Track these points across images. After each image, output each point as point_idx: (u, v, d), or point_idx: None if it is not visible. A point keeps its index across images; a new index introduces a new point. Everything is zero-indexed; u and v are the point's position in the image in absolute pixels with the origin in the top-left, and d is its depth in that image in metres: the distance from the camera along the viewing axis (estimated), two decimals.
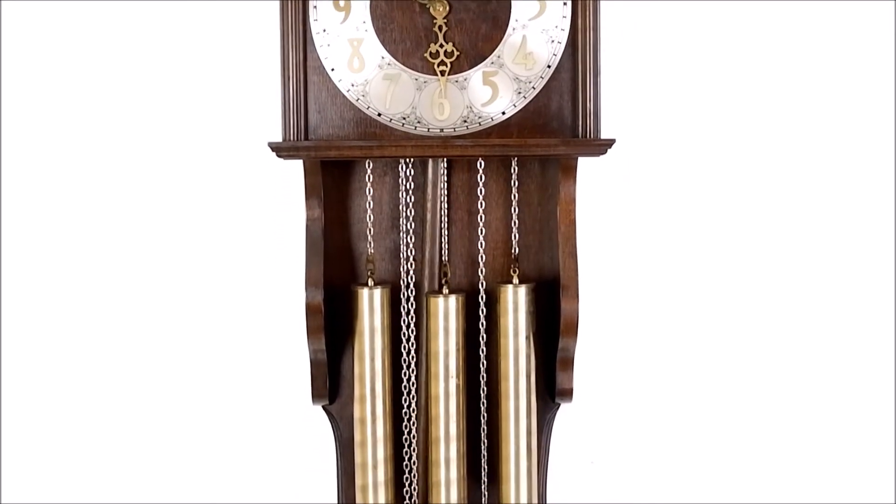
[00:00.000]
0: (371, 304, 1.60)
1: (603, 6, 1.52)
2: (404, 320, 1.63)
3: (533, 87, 1.56)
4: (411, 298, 1.64)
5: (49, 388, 1.73)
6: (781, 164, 1.70)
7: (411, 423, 1.64)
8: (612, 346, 1.73)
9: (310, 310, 1.57)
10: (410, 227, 1.64)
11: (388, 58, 1.55)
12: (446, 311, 1.60)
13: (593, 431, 1.72)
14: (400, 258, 1.64)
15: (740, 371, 1.72)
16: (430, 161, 1.61)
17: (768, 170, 1.70)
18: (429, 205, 1.61)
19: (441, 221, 1.63)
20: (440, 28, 1.54)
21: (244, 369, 1.71)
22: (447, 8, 1.54)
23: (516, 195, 1.63)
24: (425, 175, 1.62)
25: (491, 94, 1.56)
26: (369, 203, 1.62)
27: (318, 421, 1.69)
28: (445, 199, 1.63)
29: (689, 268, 1.71)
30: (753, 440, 1.73)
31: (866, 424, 1.74)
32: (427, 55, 1.55)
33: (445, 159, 1.62)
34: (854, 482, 1.74)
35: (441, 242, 1.64)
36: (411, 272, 1.64)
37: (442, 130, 1.56)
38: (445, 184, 1.63)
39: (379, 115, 1.56)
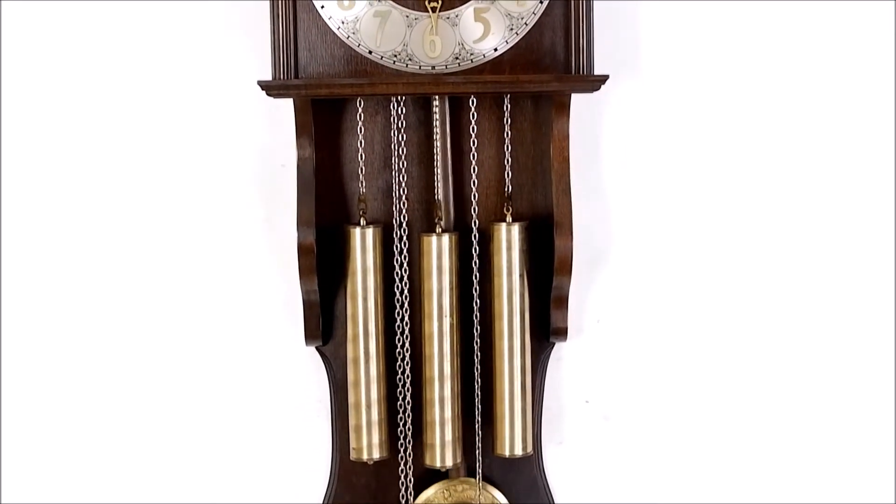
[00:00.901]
0: (363, 243, 1.60)
1: None
2: (397, 260, 1.62)
3: (525, 24, 1.54)
4: (404, 238, 1.63)
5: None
6: (777, 106, 1.68)
7: (405, 362, 1.63)
8: (607, 285, 1.71)
9: (302, 250, 1.56)
10: (403, 166, 1.62)
11: None
12: (439, 250, 1.59)
13: (588, 371, 1.71)
14: (392, 198, 1.63)
15: (738, 307, 1.71)
16: (436, 99, 1.59)
17: (766, 108, 1.68)
18: (437, 144, 1.61)
19: (437, 160, 1.62)
20: None
21: (237, 312, 1.70)
22: None
23: (509, 133, 1.61)
24: (428, 114, 1.61)
25: (483, 30, 1.54)
26: (361, 142, 1.60)
27: (312, 363, 1.69)
28: (438, 137, 1.61)
29: (684, 206, 1.69)
30: (748, 381, 1.73)
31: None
32: None
33: (447, 98, 1.60)
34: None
35: (436, 181, 1.62)
36: (404, 211, 1.62)
37: (433, 68, 1.54)
38: (438, 122, 1.61)
39: (370, 52, 1.54)
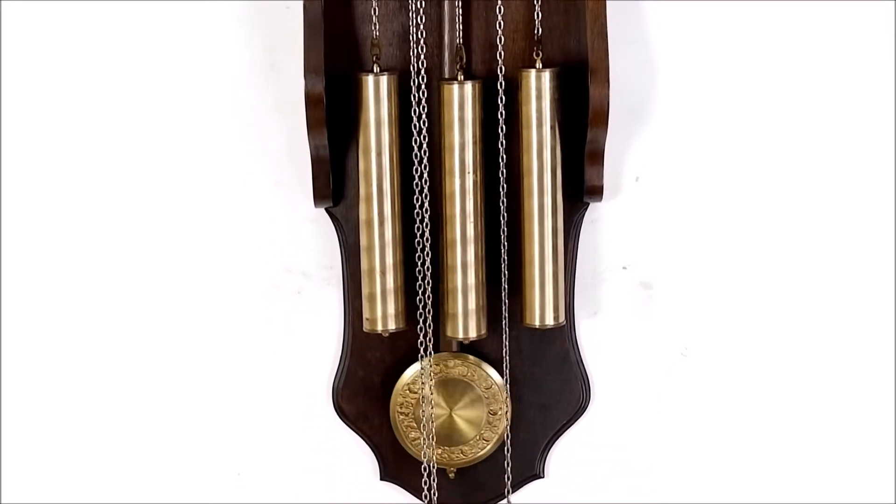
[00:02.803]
0: (377, 92, 1.45)
1: None
2: (415, 110, 1.47)
3: None
4: (422, 86, 1.48)
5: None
6: None
7: (423, 224, 1.49)
8: (648, 139, 1.56)
9: (310, 100, 1.42)
10: (420, 6, 1.47)
11: None
12: (462, 100, 1.45)
13: (626, 234, 1.57)
14: (409, 42, 1.48)
15: (795, 165, 1.56)
16: None
17: None
18: None
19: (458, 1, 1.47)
20: None
21: (238, 169, 1.56)
22: None
23: None
24: None
25: None
26: None
27: (321, 226, 1.57)
28: None
29: (737, 49, 1.54)
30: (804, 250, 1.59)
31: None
32: None
33: None
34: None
35: (457, 24, 1.47)
36: (422, 57, 1.47)
37: None
38: None
39: None
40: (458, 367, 1.55)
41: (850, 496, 1.62)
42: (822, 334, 1.61)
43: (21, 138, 1.57)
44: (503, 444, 1.56)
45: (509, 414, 1.55)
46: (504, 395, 1.55)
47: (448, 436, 1.56)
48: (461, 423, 1.56)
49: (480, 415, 1.56)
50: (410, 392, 1.55)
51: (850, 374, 1.61)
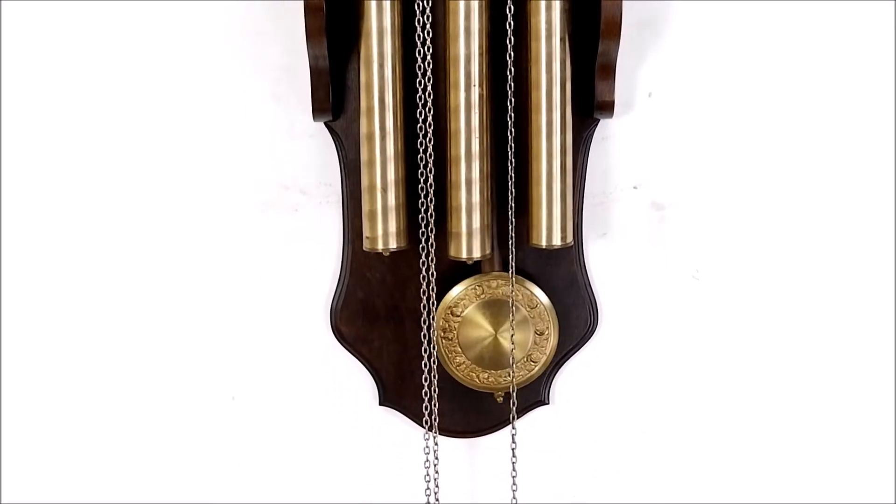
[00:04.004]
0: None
1: None
2: (418, 20, 1.40)
3: None
4: None
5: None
6: None
7: (427, 139, 1.42)
8: (662, 53, 1.50)
9: (309, 6, 1.35)
10: None
11: None
12: (468, 9, 1.38)
13: (637, 152, 1.51)
14: None
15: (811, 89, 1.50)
16: None
17: None
18: None
19: None
20: None
21: (232, 81, 1.50)
22: None
23: None
24: None
25: None
26: None
27: (320, 140, 1.50)
28: None
29: None
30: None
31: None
32: None
33: None
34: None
35: None
36: None
37: None
38: None
39: None
40: (502, 287, 1.49)
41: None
42: (836, 259, 1.55)
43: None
44: (550, 365, 1.52)
45: (553, 335, 1.51)
46: (551, 315, 1.50)
47: (494, 359, 1.51)
48: (508, 346, 1.50)
49: (527, 336, 1.51)
50: (453, 315, 1.50)
51: (858, 300, 1.56)
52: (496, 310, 1.50)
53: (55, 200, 1.53)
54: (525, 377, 1.52)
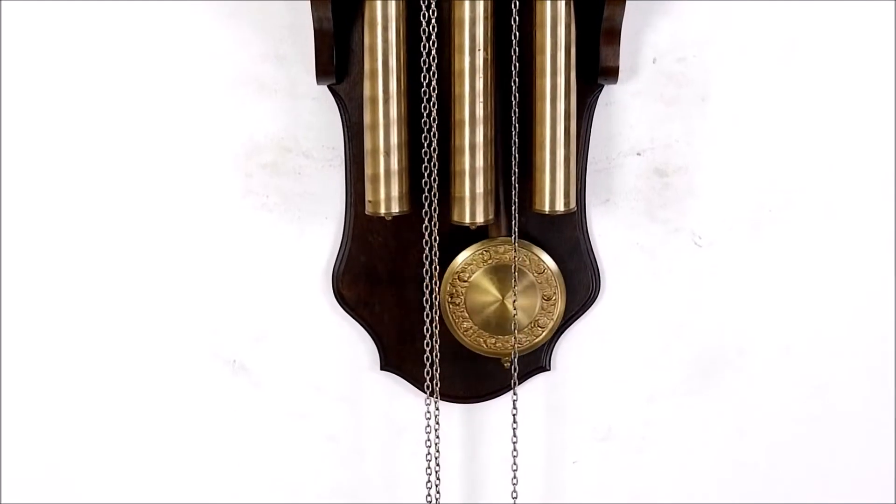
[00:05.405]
0: None
1: None
2: None
3: None
4: None
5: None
6: None
7: (431, 103, 1.41)
8: (669, 17, 1.49)
9: None
10: None
11: None
12: None
13: (641, 119, 1.51)
14: None
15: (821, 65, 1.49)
16: None
17: None
18: None
19: None
20: None
21: (234, 40, 1.48)
22: None
23: None
24: None
25: None
26: None
27: (323, 104, 1.49)
28: None
29: None
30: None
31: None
32: None
33: None
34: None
35: None
36: None
37: None
38: None
39: None
40: (509, 253, 1.48)
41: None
42: (838, 228, 1.55)
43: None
44: (557, 331, 1.52)
45: (561, 300, 1.50)
46: (559, 280, 1.49)
47: (501, 324, 1.50)
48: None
49: (534, 301, 1.50)
50: (460, 281, 1.49)
51: (862, 268, 1.56)
52: (503, 275, 1.49)
53: (53, 173, 1.52)
54: (532, 343, 1.51)
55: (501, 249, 1.48)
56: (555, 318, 1.50)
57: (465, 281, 1.49)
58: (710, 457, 1.60)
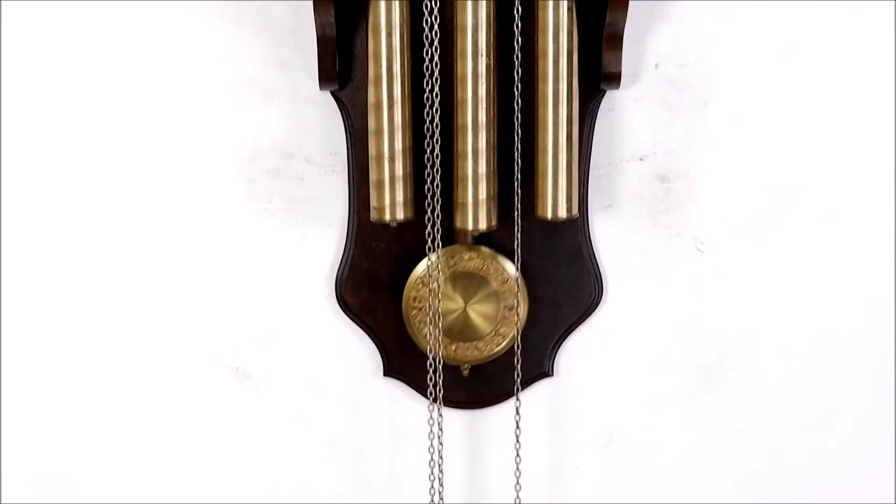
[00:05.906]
0: None
1: None
2: None
3: None
4: None
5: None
6: None
7: (433, 109, 1.42)
8: (671, 23, 1.49)
9: None
10: None
11: None
12: None
13: (644, 124, 1.51)
14: None
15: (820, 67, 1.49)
16: None
17: None
18: None
19: None
20: None
21: (237, 46, 1.49)
22: None
23: None
24: None
25: None
26: None
27: (326, 110, 1.49)
28: None
29: None
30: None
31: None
32: None
33: None
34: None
35: None
36: None
37: None
38: None
39: None
40: (474, 261, 1.49)
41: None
42: (842, 234, 1.55)
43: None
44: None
45: (523, 309, 1.50)
46: (521, 289, 1.49)
47: (462, 331, 1.50)
48: (476, 319, 1.50)
49: (496, 309, 1.50)
50: (424, 286, 1.49)
51: (864, 273, 1.56)
52: (467, 282, 1.49)
53: (57, 177, 1.53)
54: (493, 351, 1.51)
55: (466, 256, 1.48)
56: (517, 327, 1.50)
57: (427, 286, 1.49)
58: (712, 460, 1.60)
